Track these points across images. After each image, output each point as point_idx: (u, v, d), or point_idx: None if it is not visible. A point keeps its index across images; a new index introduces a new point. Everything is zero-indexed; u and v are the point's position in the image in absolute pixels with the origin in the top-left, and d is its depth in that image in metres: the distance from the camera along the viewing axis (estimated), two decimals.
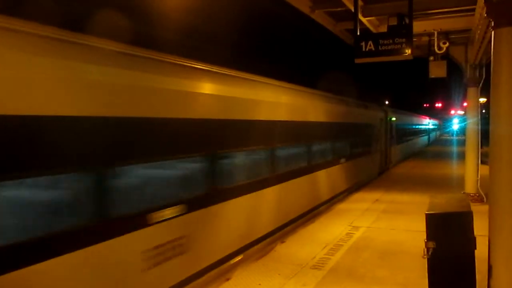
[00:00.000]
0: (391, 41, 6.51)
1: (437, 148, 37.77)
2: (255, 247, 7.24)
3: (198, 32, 19.96)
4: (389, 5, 7.63)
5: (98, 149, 4.29)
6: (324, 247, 7.36)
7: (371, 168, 16.39)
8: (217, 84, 6.50)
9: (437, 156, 28.01)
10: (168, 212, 5.12)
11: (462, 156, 18.19)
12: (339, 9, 8.08)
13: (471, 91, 11.29)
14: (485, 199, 10.72)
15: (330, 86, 14.22)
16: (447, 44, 9.28)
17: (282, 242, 7.73)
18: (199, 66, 6.15)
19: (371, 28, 8.74)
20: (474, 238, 3.95)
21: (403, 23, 7.29)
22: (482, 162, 11.86)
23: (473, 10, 7.84)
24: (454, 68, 11.85)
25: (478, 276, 4.14)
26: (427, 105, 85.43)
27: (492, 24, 3.96)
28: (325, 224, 9.12)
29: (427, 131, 42.63)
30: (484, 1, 4.23)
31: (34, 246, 3.65)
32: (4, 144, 3.43)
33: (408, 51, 6.56)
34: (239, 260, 6.66)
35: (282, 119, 8.48)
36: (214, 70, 6.56)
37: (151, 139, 5.00)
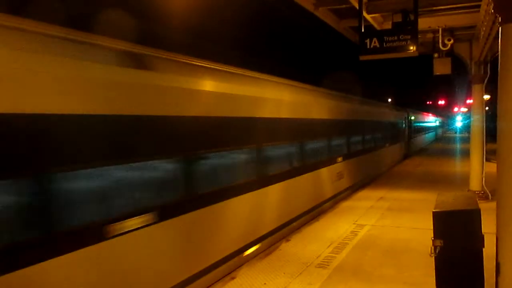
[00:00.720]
0: (396, 38, 6.47)
1: (441, 146, 37.68)
2: (264, 242, 7.43)
3: (199, 29, 19.94)
4: (393, 2, 7.59)
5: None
6: (329, 246, 7.33)
7: (400, 153, 22.27)
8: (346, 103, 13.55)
9: (441, 154, 27.93)
10: (339, 159, 11.65)
11: (465, 153, 18.30)
12: (343, 6, 8.04)
13: (476, 88, 11.21)
14: (490, 196, 10.67)
15: (334, 84, 14.26)
16: (452, 41, 9.22)
17: (287, 240, 7.71)
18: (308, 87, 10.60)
19: (375, 25, 8.69)
20: (482, 236, 3.91)
21: (408, 19, 7.24)
22: (487, 160, 11.80)
23: (478, 6, 7.79)
24: (458, 65, 11.78)
25: (485, 274, 4.10)
26: (430, 102, 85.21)
27: (499, 20, 3.91)
28: (330, 222, 9.09)
29: (435, 128, 49.26)
30: None
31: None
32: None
33: (413, 48, 6.52)
34: (244, 258, 6.67)
35: (370, 120, 15.91)
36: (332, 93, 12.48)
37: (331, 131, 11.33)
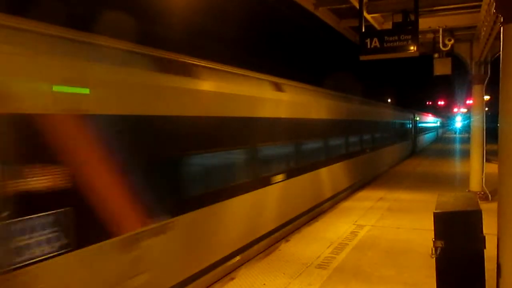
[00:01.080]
0: (396, 38, 6.45)
1: (441, 146, 37.68)
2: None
3: (198, 29, 19.90)
4: (394, 1, 7.56)
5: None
6: (329, 246, 7.30)
7: (408, 149, 26.30)
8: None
9: (441, 154, 27.91)
10: (367, 151, 15.18)
11: (464, 154, 18.31)
12: (343, 6, 8.01)
13: (476, 88, 11.19)
14: (490, 197, 10.65)
15: (334, 84, 14.26)
16: (452, 41, 9.19)
17: (287, 241, 7.68)
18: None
19: (375, 25, 8.67)
20: (484, 237, 3.88)
21: (408, 19, 7.22)
22: (487, 160, 11.78)
23: (479, 6, 7.76)
24: (457, 65, 11.76)
25: (486, 275, 4.08)
26: (430, 102, 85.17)
27: (501, 20, 3.88)
28: (329, 222, 9.06)
29: (436, 128, 54.47)
30: None
31: None
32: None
33: (413, 48, 6.50)
34: (243, 260, 6.66)
35: (391, 121, 20.67)
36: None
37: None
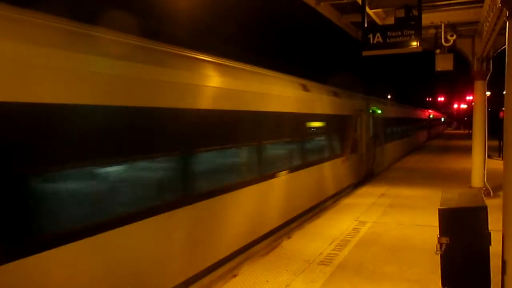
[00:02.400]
0: (399, 33, 6.40)
1: (441, 142, 37.72)
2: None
3: (196, 25, 19.80)
4: None
5: None
6: (331, 243, 7.28)
7: (425, 136, 37.52)
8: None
9: (441, 150, 27.90)
10: (407, 136, 27.06)
11: (464, 150, 18.30)
12: (345, 1, 7.96)
13: (478, 84, 11.14)
14: (492, 193, 10.63)
15: (334, 80, 14.24)
16: (455, 36, 9.14)
17: (289, 237, 7.66)
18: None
19: (377, 20, 8.62)
20: (489, 234, 3.86)
21: (411, 14, 7.17)
22: (488, 156, 11.74)
23: (482, 1, 7.71)
24: (460, 61, 11.70)
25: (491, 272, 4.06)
26: (430, 99, 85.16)
27: (507, 14, 3.85)
28: (331, 219, 9.04)
29: (441, 123, 70.34)
30: None
31: None
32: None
33: (416, 43, 6.46)
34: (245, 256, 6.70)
35: (417, 118, 33.49)
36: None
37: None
